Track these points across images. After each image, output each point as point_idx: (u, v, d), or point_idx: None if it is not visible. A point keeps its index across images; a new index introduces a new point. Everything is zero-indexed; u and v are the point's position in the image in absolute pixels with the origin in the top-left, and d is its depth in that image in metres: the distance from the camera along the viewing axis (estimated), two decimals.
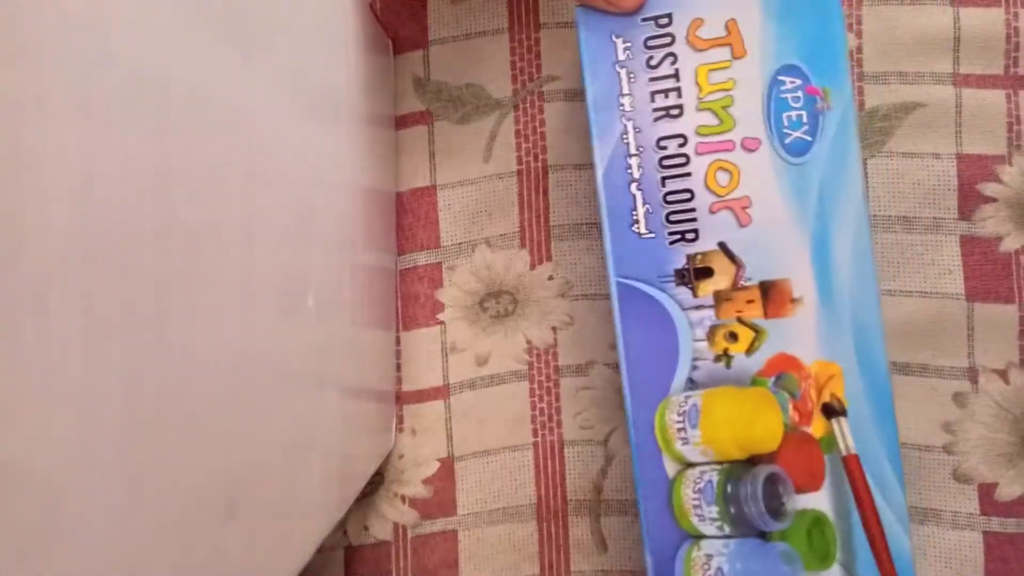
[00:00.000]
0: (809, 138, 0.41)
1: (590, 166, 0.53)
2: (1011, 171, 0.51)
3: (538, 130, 0.54)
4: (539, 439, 0.53)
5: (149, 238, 0.22)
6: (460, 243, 0.54)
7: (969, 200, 0.51)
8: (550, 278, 0.53)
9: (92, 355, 0.20)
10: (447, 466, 0.53)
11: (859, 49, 0.52)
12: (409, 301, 0.54)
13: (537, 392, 0.53)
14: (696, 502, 0.40)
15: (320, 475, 0.38)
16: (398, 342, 0.54)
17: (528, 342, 0.53)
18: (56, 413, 0.18)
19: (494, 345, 0.54)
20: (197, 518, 0.26)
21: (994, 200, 0.51)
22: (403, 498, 0.53)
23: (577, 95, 0.54)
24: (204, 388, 0.26)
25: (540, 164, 0.54)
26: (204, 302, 0.25)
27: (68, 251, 0.19)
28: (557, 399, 0.53)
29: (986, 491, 0.50)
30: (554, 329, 0.53)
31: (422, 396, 0.54)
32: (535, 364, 0.53)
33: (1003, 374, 0.50)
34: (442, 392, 0.54)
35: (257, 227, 0.30)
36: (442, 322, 0.54)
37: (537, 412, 0.53)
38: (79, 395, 0.19)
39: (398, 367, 0.54)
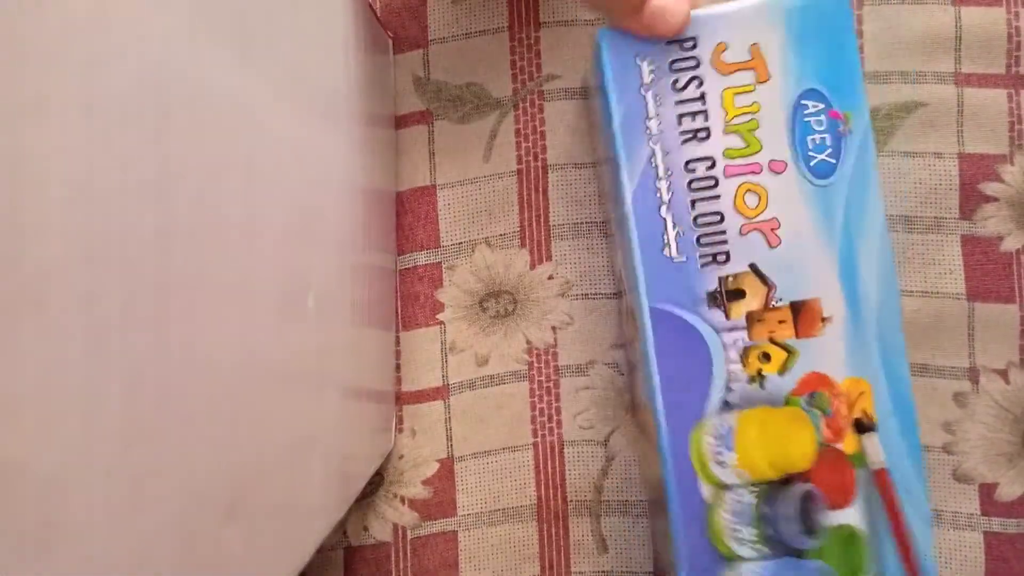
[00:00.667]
0: (833, 160, 0.41)
1: (590, 165, 0.53)
2: (1012, 170, 0.51)
3: (538, 129, 0.54)
4: (539, 439, 0.53)
5: (149, 238, 0.22)
6: (460, 243, 0.54)
7: (970, 200, 0.51)
8: (550, 278, 0.53)
9: (92, 355, 0.20)
10: (447, 467, 0.53)
11: (860, 48, 0.52)
12: (409, 301, 0.54)
13: (537, 392, 0.53)
14: (734, 525, 0.40)
15: (320, 475, 0.38)
16: (398, 342, 0.54)
17: (528, 342, 0.53)
18: (56, 413, 0.18)
19: (494, 345, 0.54)
20: (197, 518, 0.25)
21: (995, 199, 0.51)
22: (403, 499, 0.53)
23: (577, 94, 0.54)
24: (204, 388, 0.26)
25: (540, 163, 0.54)
26: (204, 302, 0.25)
27: (68, 251, 0.19)
28: (557, 399, 0.53)
29: (986, 491, 0.50)
30: (554, 329, 0.53)
31: (422, 396, 0.54)
32: (535, 364, 0.53)
33: (1003, 374, 0.50)
34: (442, 392, 0.54)
35: (257, 227, 0.30)
36: (442, 322, 0.54)
37: (537, 412, 0.53)
38: (79, 395, 0.19)
39: (397, 367, 0.54)
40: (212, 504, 0.26)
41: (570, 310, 0.53)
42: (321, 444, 0.38)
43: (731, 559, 0.40)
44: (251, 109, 0.29)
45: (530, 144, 0.54)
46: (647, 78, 0.42)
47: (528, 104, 0.54)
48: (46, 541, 0.18)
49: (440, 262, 0.54)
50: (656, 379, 0.41)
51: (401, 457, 0.53)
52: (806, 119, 0.41)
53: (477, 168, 0.54)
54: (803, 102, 0.41)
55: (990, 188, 0.51)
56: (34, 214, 0.17)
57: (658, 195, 0.42)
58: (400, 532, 0.53)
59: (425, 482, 0.53)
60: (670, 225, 0.41)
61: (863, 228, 0.41)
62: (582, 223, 0.53)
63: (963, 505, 0.50)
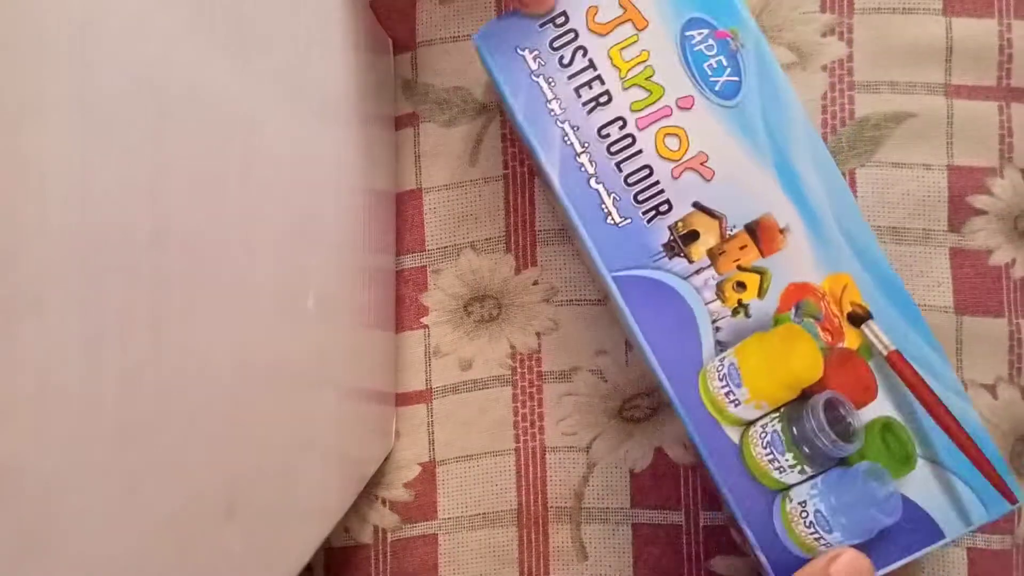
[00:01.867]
0: (736, 79, 0.42)
1: None
2: (1002, 183, 0.51)
3: None
4: (521, 445, 0.53)
5: (147, 239, 0.22)
6: (445, 247, 0.54)
7: (959, 212, 0.51)
8: (535, 283, 0.53)
9: (90, 355, 0.20)
10: (429, 470, 0.53)
11: (850, 57, 0.52)
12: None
13: (520, 397, 0.53)
14: (769, 456, 0.41)
15: (320, 476, 0.38)
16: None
17: (512, 347, 0.53)
18: (55, 413, 0.18)
19: (478, 349, 0.53)
20: (197, 518, 0.26)
21: (984, 212, 0.51)
22: (384, 501, 0.53)
23: None
24: (203, 389, 0.26)
25: (526, 168, 0.53)
26: (203, 303, 0.25)
27: (67, 251, 0.19)
28: (540, 405, 0.53)
29: None
30: (538, 334, 0.53)
31: (405, 399, 0.54)
32: (519, 369, 0.53)
33: (991, 388, 0.50)
34: (425, 396, 0.53)
35: (256, 228, 0.30)
36: (426, 326, 0.54)
37: (520, 418, 0.53)
38: (78, 395, 0.19)
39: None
40: (211, 504, 0.27)
41: (555, 316, 0.53)
42: (321, 445, 0.38)
43: (781, 489, 0.41)
44: (250, 109, 0.29)
45: (516, 149, 0.54)
46: (533, 64, 0.43)
47: None
48: (45, 541, 0.18)
49: (425, 266, 0.54)
50: (645, 344, 0.41)
51: (384, 459, 0.53)
52: (696, 48, 0.42)
53: (463, 172, 0.54)
54: (687, 33, 0.42)
55: (979, 201, 0.51)
56: (34, 214, 0.17)
57: (583, 170, 0.42)
58: (380, 534, 0.53)
59: (407, 485, 0.53)
60: (604, 194, 0.42)
61: (787, 131, 0.42)
62: (568, 229, 0.53)
63: None
